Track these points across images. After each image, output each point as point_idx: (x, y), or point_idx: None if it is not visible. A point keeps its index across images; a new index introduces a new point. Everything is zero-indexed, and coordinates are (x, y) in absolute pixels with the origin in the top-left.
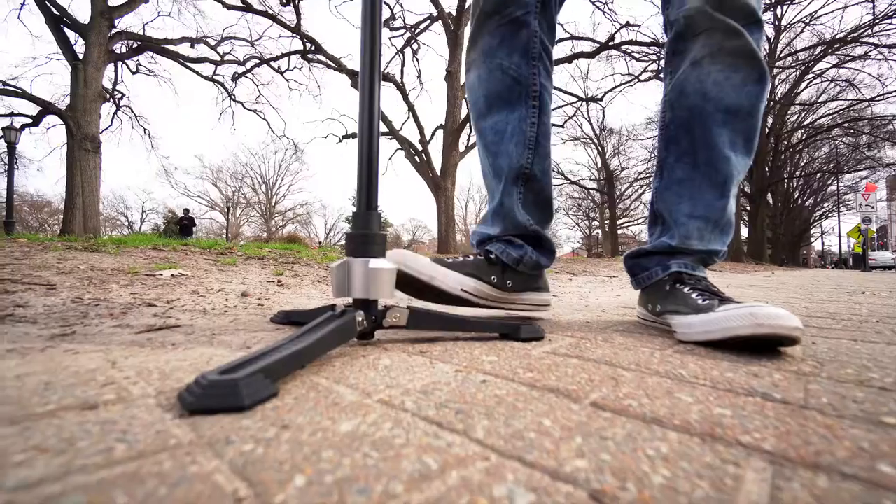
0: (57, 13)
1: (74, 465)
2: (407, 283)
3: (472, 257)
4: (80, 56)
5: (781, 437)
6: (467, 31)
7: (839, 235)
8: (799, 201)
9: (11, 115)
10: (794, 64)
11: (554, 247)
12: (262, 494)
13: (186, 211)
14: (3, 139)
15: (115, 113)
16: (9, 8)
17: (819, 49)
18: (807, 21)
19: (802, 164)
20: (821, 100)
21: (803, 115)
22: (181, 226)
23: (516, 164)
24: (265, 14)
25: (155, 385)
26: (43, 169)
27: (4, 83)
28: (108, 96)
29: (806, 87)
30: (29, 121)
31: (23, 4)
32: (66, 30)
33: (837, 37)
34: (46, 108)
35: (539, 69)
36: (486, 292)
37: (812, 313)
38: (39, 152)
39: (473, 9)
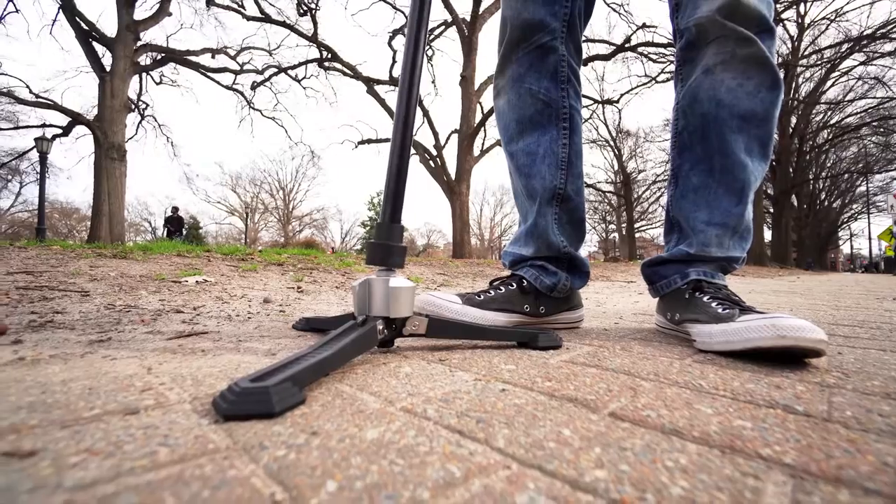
0: (86, 28)
1: (124, 467)
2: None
3: (503, 288)
4: (108, 68)
5: (803, 451)
6: (481, 35)
7: (869, 238)
8: (826, 203)
9: (43, 125)
10: (818, 62)
11: (588, 267)
12: (297, 498)
13: (175, 210)
14: (35, 149)
15: (140, 122)
16: (41, 24)
17: (845, 46)
18: (832, 18)
19: (829, 164)
20: (848, 98)
21: (829, 114)
22: (167, 229)
23: (550, 184)
24: (283, 24)
25: (189, 391)
26: (72, 177)
27: (37, 96)
28: (133, 106)
29: (832, 85)
30: (59, 131)
31: (55, 20)
32: (95, 43)
33: (865, 33)
34: (76, 118)
35: (568, 91)
36: (518, 322)
37: (838, 321)
38: (69, 161)
39: (500, 37)
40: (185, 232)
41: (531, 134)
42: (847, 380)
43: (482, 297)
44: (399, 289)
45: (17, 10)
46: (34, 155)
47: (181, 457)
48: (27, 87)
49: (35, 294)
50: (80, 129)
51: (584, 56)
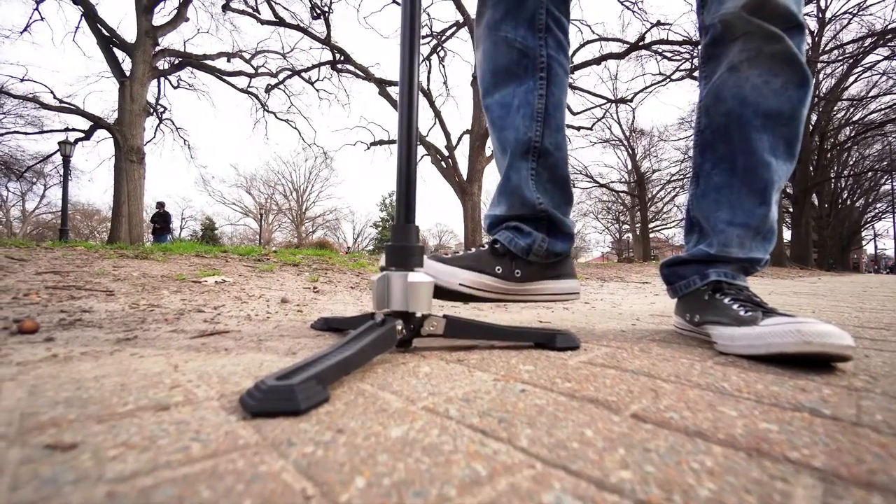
0: (107, 34)
1: (160, 461)
2: None
3: (472, 249)
4: (127, 73)
5: (832, 455)
6: None
7: (895, 238)
8: (848, 202)
9: (66, 130)
10: (840, 57)
11: (571, 229)
12: (327, 494)
13: (161, 205)
14: (59, 153)
15: (158, 126)
16: (65, 31)
17: (869, 41)
18: (854, 11)
19: (851, 162)
20: (871, 94)
21: (852, 110)
22: (153, 227)
23: (524, 136)
24: (297, 27)
25: (216, 388)
26: (93, 179)
27: (61, 101)
28: (151, 110)
29: (854, 81)
30: (82, 135)
31: (77, 27)
32: (115, 49)
33: (889, 27)
34: (97, 122)
35: (547, 41)
36: (489, 284)
37: (864, 324)
38: (90, 164)
39: None
40: (173, 231)
41: (507, 85)
42: (875, 383)
43: (450, 255)
44: (418, 284)
45: (42, 18)
46: (58, 158)
47: (213, 452)
48: (51, 92)
49: (63, 293)
50: (100, 133)
51: (598, 55)
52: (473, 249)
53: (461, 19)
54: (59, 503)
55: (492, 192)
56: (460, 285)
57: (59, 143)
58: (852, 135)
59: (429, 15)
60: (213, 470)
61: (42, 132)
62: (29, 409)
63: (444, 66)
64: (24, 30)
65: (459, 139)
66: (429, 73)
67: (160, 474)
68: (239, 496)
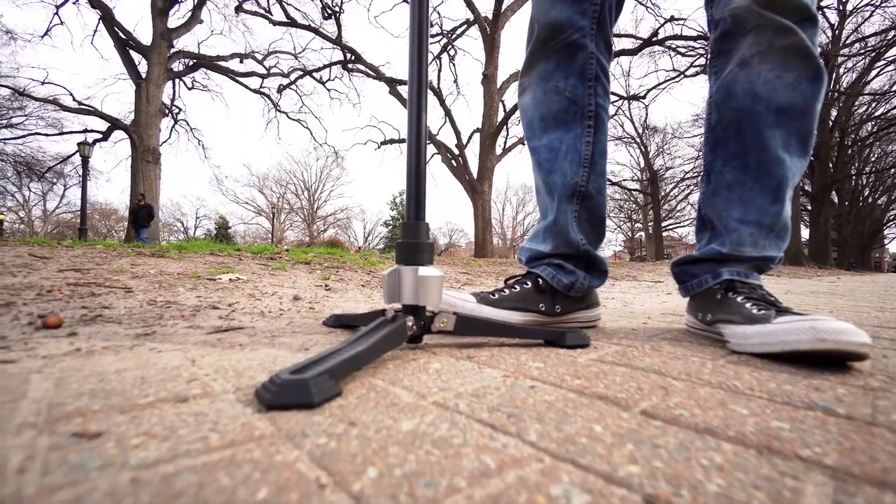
0: (123, 37)
1: (180, 449)
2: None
3: (517, 287)
4: (143, 75)
5: (844, 453)
6: (504, 33)
7: None
8: (869, 199)
9: (85, 131)
10: (862, 51)
11: (606, 266)
12: (341, 483)
13: (142, 196)
14: (78, 153)
15: (173, 126)
16: (83, 34)
17: (892, 33)
18: (876, 3)
19: (873, 158)
20: (894, 89)
21: (874, 105)
22: (135, 218)
23: (570, 181)
24: (308, 28)
25: (232, 382)
26: (111, 180)
27: (80, 103)
28: (166, 111)
29: (877, 75)
30: (100, 136)
31: (95, 31)
32: (132, 52)
33: None
34: (114, 124)
35: (596, 89)
36: (533, 321)
37: (884, 323)
38: (108, 164)
39: (528, 36)
40: (150, 226)
41: (555, 131)
42: (893, 383)
43: (496, 295)
44: (428, 278)
45: (62, 22)
46: (77, 159)
47: (230, 442)
48: (71, 94)
49: (84, 290)
50: (118, 134)
51: None
52: (517, 288)
53: (471, 17)
54: (86, 487)
55: (502, 191)
56: None
57: (79, 145)
58: (874, 130)
59: (439, 14)
60: (230, 459)
61: (62, 133)
62: (56, 400)
63: (454, 65)
64: (45, 34)
65: (470, 138)
66: (439, 71)
67: (181, 462)
68: (256, 483)
